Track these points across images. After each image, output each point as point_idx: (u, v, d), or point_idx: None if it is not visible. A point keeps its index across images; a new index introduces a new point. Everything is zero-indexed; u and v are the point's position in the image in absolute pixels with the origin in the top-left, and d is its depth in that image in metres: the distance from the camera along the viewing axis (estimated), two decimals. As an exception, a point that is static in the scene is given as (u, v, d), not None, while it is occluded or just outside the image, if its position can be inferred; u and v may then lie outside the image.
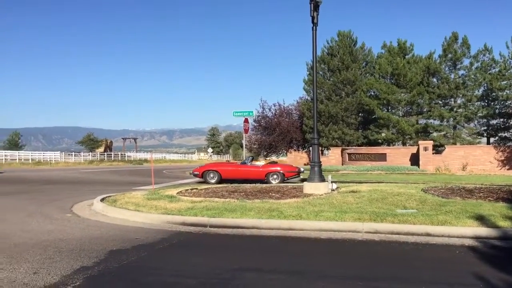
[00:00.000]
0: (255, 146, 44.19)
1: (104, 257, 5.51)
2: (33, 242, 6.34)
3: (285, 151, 43.35)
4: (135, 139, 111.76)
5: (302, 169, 20.23)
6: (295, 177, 19.45)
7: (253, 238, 7.02)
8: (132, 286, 4.40)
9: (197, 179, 19.64)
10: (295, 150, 41.99)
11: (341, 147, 37.26)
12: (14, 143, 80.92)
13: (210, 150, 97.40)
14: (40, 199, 11.94)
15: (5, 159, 48.24)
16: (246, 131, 28.93)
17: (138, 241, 6.54)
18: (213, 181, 18.54)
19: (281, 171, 18.98)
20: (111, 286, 4.38)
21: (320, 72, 39.60)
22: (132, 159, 67.41)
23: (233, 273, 4.85)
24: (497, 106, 35.88)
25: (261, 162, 19.96)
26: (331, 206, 8.90)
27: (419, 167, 30.06)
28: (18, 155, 53.17)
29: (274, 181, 18.35)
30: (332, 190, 11.37)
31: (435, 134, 37.35)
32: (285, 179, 18.79)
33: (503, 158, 29.41)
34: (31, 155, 54.82)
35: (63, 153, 61.82)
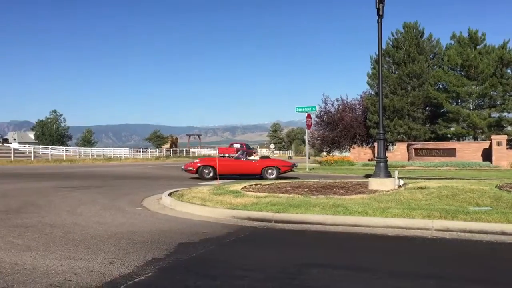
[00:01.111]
0: (317, 142, 43.87)
1: (174, 249, 5.70)
2: (108, 234, 6.67)
3: (348, 147, 42.67)
4: (199, 136, 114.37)
5: (296, 164, 20.61)
6: (289, 172, 19.82)
7: (318, 234, 6.99)
8: (201, 278, 4.51)
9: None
10: (358, 146, 41.23)
11: (407, 142, 36.15)
12: (87, 140, 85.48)
13: (272, 146, 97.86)
14: (112, 193, 12.53)
15: (79, 155, 51.07)
16: (309, 126, 28.74)
17: (205, 234, 6.70)
18: (208, 176, 18.52)
19: (277, 166, 19.36)
20: (182, 278, 4.52)
21: (385, 66, 38.58)
22: (196, 155, 69.13)
23: (299, 268, 4.85)
24: None
25: (255, 157, 20.22)
26: (398, 203, 8.67)
27: (491, 162, 28.57)
28: (91, 152, 56.12)
29: (270, 176, 18.85)
30: (399, 186, 11.06)
31: (509, 128, 35.31)
32: (280, 173, 19.22)
33: None
34: (103, 152, 57.69)
35: (132, 149, 64.46)
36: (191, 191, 11.32)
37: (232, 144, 48.74)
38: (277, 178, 18.57)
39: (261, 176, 18.65)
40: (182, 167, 20.15)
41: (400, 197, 9.35)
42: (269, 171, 19.05)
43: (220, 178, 16.18)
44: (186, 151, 73.92)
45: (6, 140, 64.00)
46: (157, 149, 69.32)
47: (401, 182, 11.34)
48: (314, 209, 8.18)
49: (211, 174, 18.59)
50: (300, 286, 4.25)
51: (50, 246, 5.75)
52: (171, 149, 72.10)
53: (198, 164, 19.08)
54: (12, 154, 42.51)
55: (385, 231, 7.01)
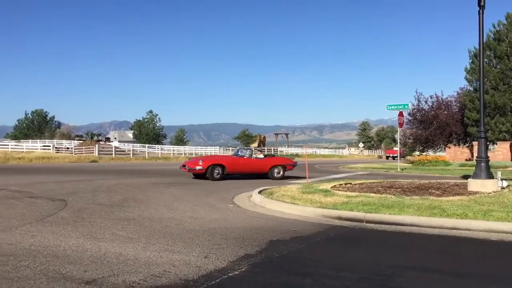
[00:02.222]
0: (409, 141, 42.16)
1: (265, 246, 5.78)
2: (202, 229, 6.93)
3: (443, 146, 40.56)
4: (286, 134, 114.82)
5: (297, 163, 19.82)
6: (292, 170, 19.24)
7: (412, 235, 6.72)
8: (293, 276, 4.53)
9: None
10: (454, 145, 39.06)
11: (510, 141, 33.57)
12: (180, 139, 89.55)
13: (361, 145, 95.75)
14: (205, 190, 13.00)
15: (172, 153, 53.63)
16: (401, 125, 27.72)
17: (295, 233, 6.72)
18: (217, 176, 17.04)
19: (283, 164, 18.67)
20: (274, 275, 4.57)
21: (485, 60, 36.07)
22: (284, 153, 69.53)
23: (393, 270, 4.70)
24: None
25: (260, 155, 18.94)
26: (502, 206, 8.08)
27: None
28: (184, 150, 58.73)
29: (277, 175, 18.19)
30: (502, 188, 10.31)
31: None
32: (286, 171, 18.60)
33: None
34: (195, 150, 60.09)
35: (222, 147, 66.35)
36: (280, 189, 11.41)
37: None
38: (283, 177, 18.11)
39: (267, 175, 18.14)
40: (183, 166, 18.14)
41: (503, 199, 8.72)
42: (275, 170, 18.33)
43: (225, 178, 16.06)
44: (274, 149, 74.65)
45: (108, 139, 68.87)
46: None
47: (505, 183, 10.56)
48: (408, 210, 7.88)
49: (220, 173, 17.21)
50: (395, 289, 4.12)
51: (150, 239, 6.10)
52: (259, 148, 73.32)
53: (209, 164, 17.18)
54: (113, 152, 45.75)
55: (487, 235, 6.57)
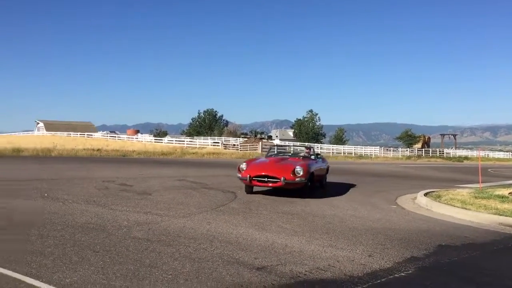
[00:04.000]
0: None
1: (433, 250, 5.49)
2: (364, 227, 6.85)
3: None
4: (454, 135, 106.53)
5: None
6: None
7: None
8: (465, 284, 4.23)
9: None
10: None
11: None
12: (339, 138, 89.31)
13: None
14: (366, 190, 12.79)
15: (332, 152, 53.80)
16: None
17: (467, 239, 6.25)
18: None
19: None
20: (444, 280, 4.33)
21: None
22: (451, 155, 64.73)
23: None
24: None
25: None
26: None
27: None
28: (343, 149, 58.49)
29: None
30: None
31: None
32: None
33: None
34: (354, 149, 59.38)
35: (382, 148, 64.40)
36: (449, 192, 10.69)
37: None
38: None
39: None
40: (241, 176, 10.43)
41: None
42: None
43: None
44: (439, 151, 69.90)
45: (270, 137, 72.03)
46: (408, 149, 67.54)
47: None
48: None
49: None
50: None
51: (313, 233, 6.25)
52: (423, 149, 69.22)
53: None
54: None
55: None
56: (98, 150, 32.03)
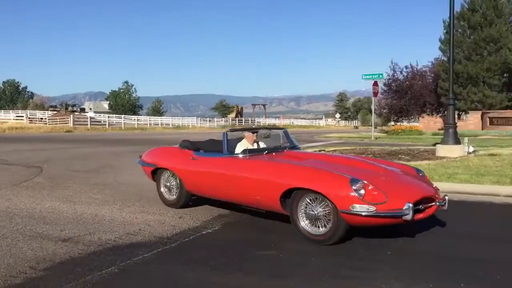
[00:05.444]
0: (384, 111, 42.72)
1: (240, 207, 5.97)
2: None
3: (417, 116, 41.27)
4: (264, 106, 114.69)
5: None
6: None
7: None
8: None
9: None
10: (428, 115, 39.78)
11: (481, 111, 34.39)
12: (156, 110, 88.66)
13: (337, 115, 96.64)
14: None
15: (149, 124, 53.24)
16: (375, 94, 28.02)
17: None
18: None
19: None
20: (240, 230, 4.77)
21: (459, 30, 36.50)
22: (261, 124, 69.73)
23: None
24: None
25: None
26: (467, 169, 8.43)
27: None
28: (161, 121, 58.32)
29: None
30: (469, 153, 10.71)
31: None
32: None
33: None
34: (171, 121, 59.68)
35: (199, 118, 66.13)
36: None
37: None
38: None
39: None
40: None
41: (469, 163, 9.09)
42: None
43: None
44: (251, 120, 74.75)
45: (83, 110, 67.66)
46: (223, 119, 70.71)
47: (471, 149, 10.97)
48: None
49: None
50: None
51: (126, 202, 6.22)
52: (237, 119, 73.21)
53: None
54: (89, 123, 45.10)
55: (451, 196, 6.86)
56: None
